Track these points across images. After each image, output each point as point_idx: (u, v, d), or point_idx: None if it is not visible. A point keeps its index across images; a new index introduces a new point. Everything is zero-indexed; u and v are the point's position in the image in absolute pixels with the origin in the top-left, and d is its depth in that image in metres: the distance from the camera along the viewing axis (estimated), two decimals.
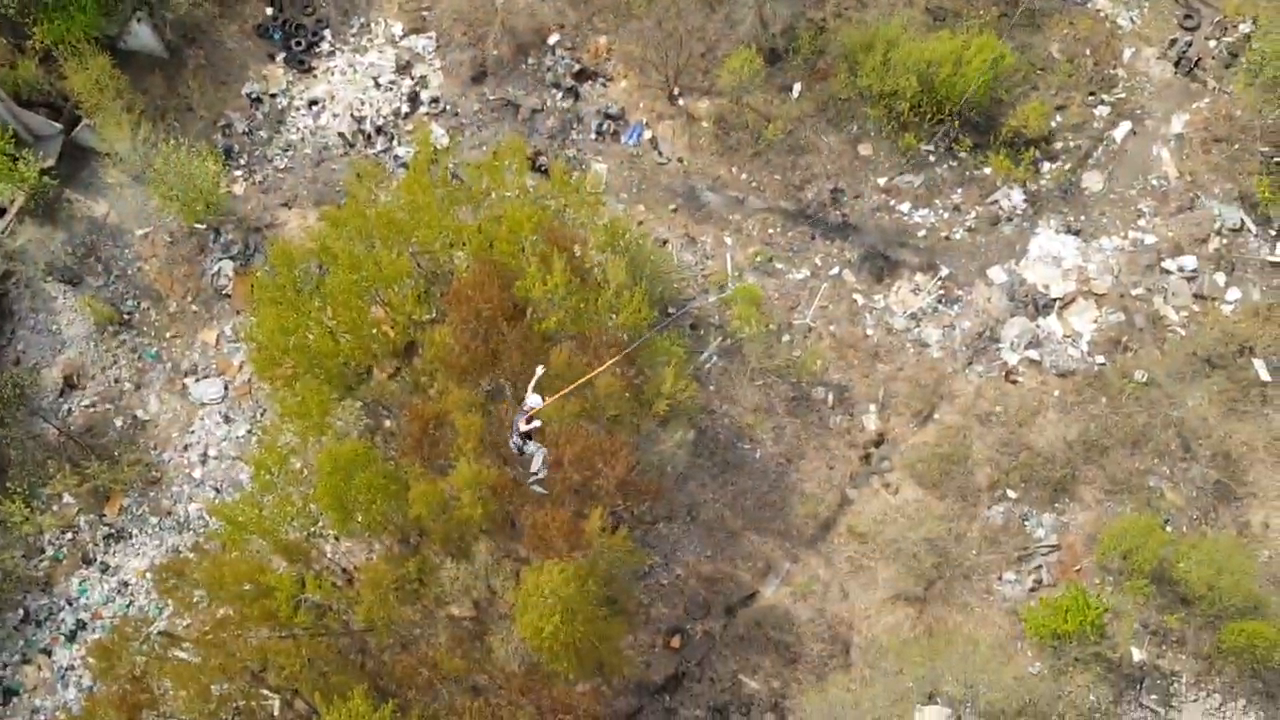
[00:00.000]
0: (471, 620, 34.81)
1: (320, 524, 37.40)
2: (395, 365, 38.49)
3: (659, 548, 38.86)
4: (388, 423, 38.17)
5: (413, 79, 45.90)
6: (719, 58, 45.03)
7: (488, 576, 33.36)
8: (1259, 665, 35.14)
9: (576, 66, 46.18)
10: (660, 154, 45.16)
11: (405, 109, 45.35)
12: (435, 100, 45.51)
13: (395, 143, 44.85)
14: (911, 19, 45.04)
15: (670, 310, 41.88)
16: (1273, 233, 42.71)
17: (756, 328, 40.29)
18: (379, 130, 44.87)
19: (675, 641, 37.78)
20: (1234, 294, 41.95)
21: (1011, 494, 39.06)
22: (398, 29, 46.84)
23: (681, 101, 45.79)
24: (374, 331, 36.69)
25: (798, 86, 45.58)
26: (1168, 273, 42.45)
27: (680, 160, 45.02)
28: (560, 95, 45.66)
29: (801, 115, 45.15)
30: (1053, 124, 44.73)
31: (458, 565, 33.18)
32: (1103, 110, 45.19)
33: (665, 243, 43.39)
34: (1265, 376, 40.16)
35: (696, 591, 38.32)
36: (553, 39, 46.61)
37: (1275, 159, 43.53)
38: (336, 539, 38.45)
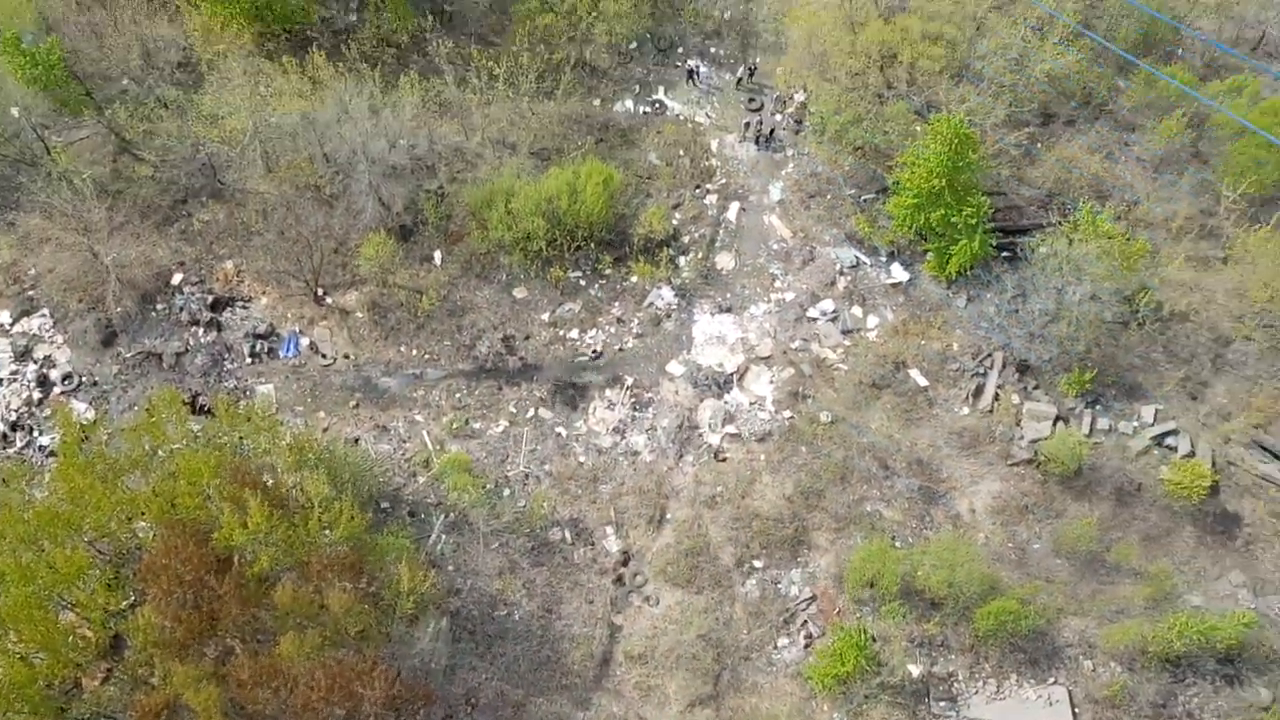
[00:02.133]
0: None
1: None
2: (106, 667, 34.85)
3: None
4: None
5: (37, 362, 42.68)
6: (353, 249, 45.29)
7: None
8: (1014, 638, 38.36)
9: (210, 298, 44.78)
10: (324, 356, 44.40)
11: (37, 395, 41.99)
12: (68, 377, 42.49)
13: (36, 434, 41.30)
14: (520, 166, 47.41)
15: (383, 505, 40.88)
16: (883, 260, 48.00)
17: (474, 493, 40.10)
18: (14, 427, 41.17)
19: None
20: (873, 321, 46.62)
21: (758, 564, 40.78)
22: (4, 317, 43.52)
23: (329, 300, 45.43)
24: (69, 639, 33.11)
25: (438, 254, 46.54)
26: (814, 320, 46.53)
27: (346, 356, 44.47)
28: (202, 331, 43.99)
29: (450, 279, 46.06)
30: (674, 222, 48.32)
31: None
32: (712, 198, 49.40)
33: (357, 441, 42.47)
34: (923, 382, 44.70)
35: None
36: (176, 279, 44.99)
37: (863, 197, 49.26)
38: None
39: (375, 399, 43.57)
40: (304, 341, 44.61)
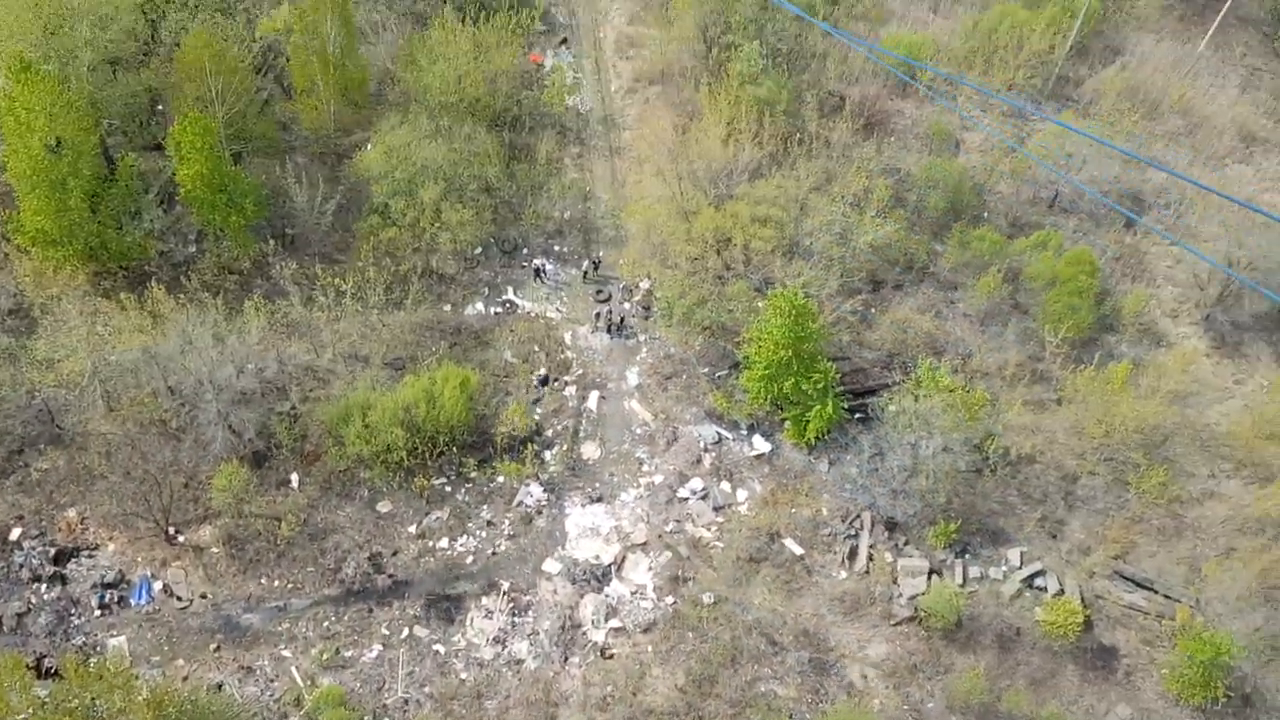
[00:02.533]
0: None
1: None
2: None
3: None
4: None
5: None
6: (204, 481, 43.63)
7: None
8: None
9: (53, 550, 42.05)
10: (179, 599, 41.91)
11: None
12: None
13: None
14: (375, 378, 47.07)
15: None
16: (744, 432, 48.99)
17: None
18: None
19: None
20: (742, 494, 47.14)
21: None
22: None
23: (182, 539, 43.26)
24: None
25: (295, 477, 45.20)
26: (685, 500, 46.75)
27: (204, 596, 42.08)
28: (44, 587, 41.09)
29: (310, 501, 44.64)
30: (536, 417, 48.44)
31: None
32: (571, 390, 49.89)
33: (220, 686, 39.75)
34: (798, 550, 45.06)
35: None
36: (15, 534, 42.24)
37: (717, 374, 50.58)
38: None
39: (238, 638, 41.13)
40: (157, 585, 42.10)
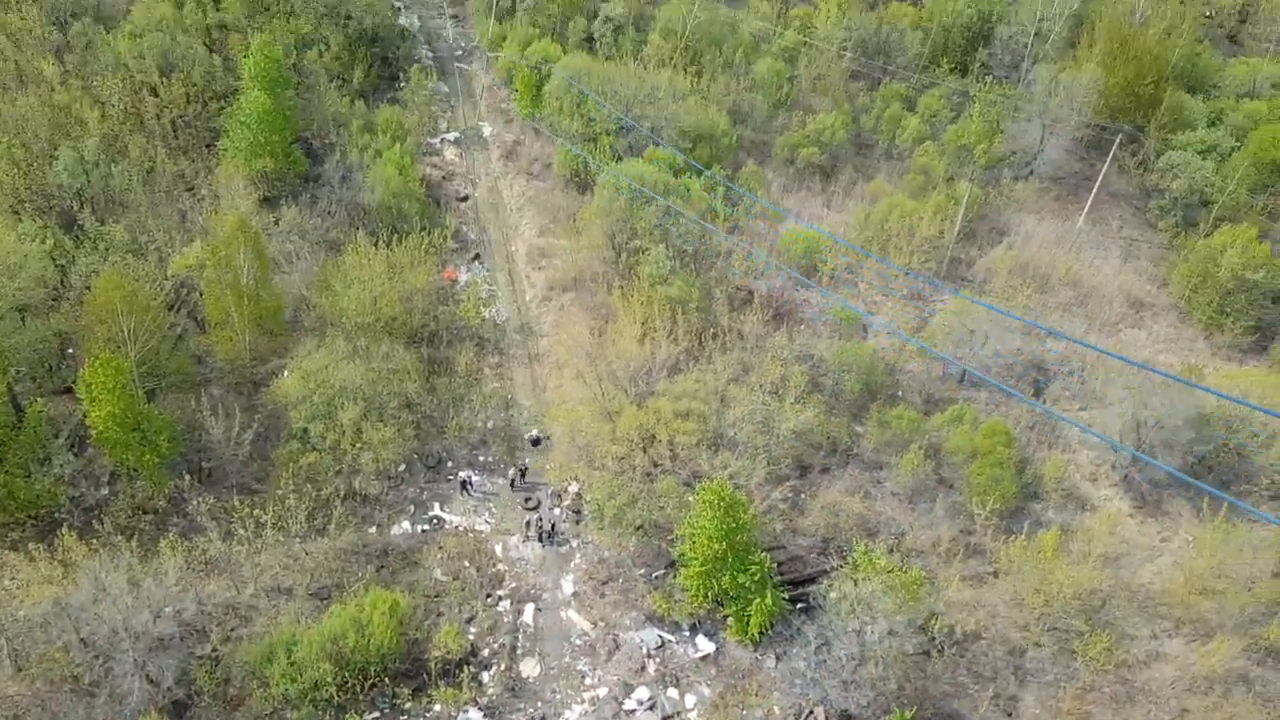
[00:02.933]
0: None
1: None
2: None
3: None
4: None
5: None
6: None
7: None
8: None
9: None
10: None
11: None
12: None
13: None
14: (299, 611, 45.22)
15: None
16: (687, 633, 47.83)
17: None
18: None
19: None
20: (691, 700, 45.56)
21: None
22: None
23: None
24: None
25: None
26: (632, 712, 44.98)
27: None
28: None
29: None
30: (470, 637, 46.74)
31: None
32: (505, 605, 48.47)
33: None
34: None
35: None
36: None
37: (653, 575, 49.72)
38: None
39: None
40: None
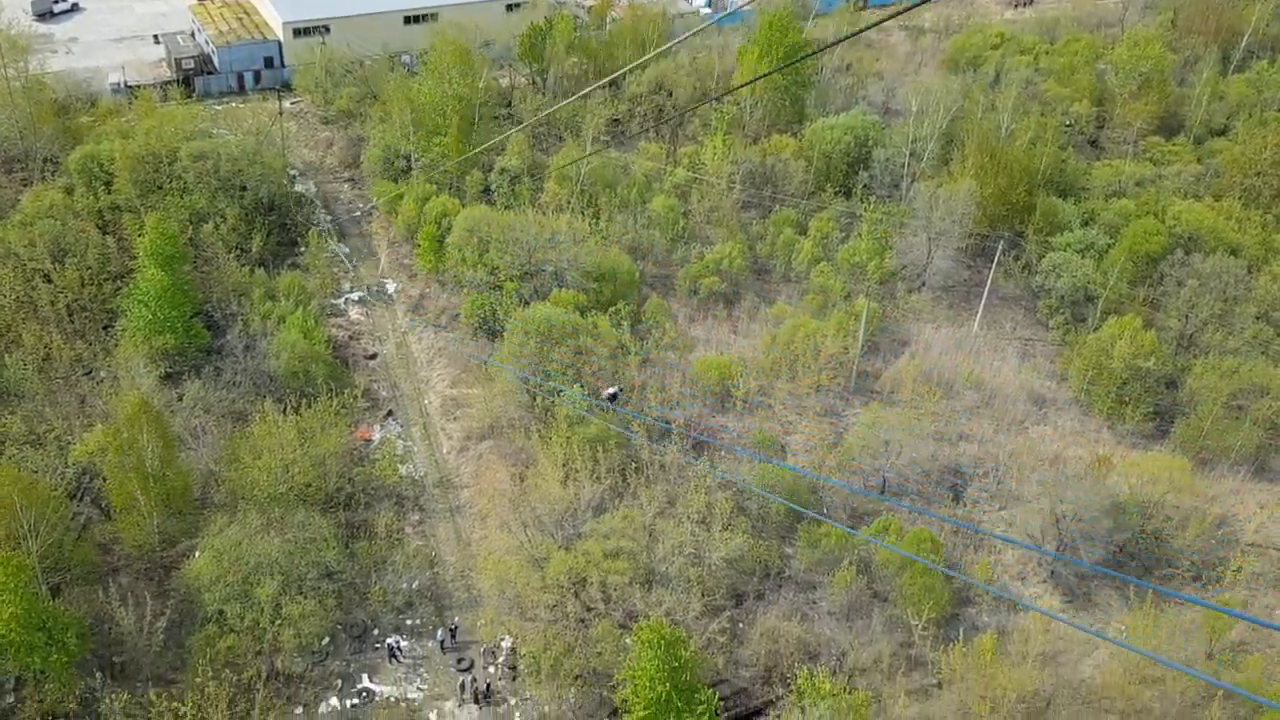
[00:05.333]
0: None
1: None
2: None
3: None
4: None
5: None
6: None
7: None
8: None
9: None
10: None
11: None
12: None
13: None
14: None
15: None
16: None
17: None
18: None
19: None
20: None
21: None
22: None
23: None
24: None
25: None
26: None
27: None
28: None
29: None
30: None
31: None
32: None
33: None
34: None
35: None
36: None
37: None
38: None
39: None
40: None
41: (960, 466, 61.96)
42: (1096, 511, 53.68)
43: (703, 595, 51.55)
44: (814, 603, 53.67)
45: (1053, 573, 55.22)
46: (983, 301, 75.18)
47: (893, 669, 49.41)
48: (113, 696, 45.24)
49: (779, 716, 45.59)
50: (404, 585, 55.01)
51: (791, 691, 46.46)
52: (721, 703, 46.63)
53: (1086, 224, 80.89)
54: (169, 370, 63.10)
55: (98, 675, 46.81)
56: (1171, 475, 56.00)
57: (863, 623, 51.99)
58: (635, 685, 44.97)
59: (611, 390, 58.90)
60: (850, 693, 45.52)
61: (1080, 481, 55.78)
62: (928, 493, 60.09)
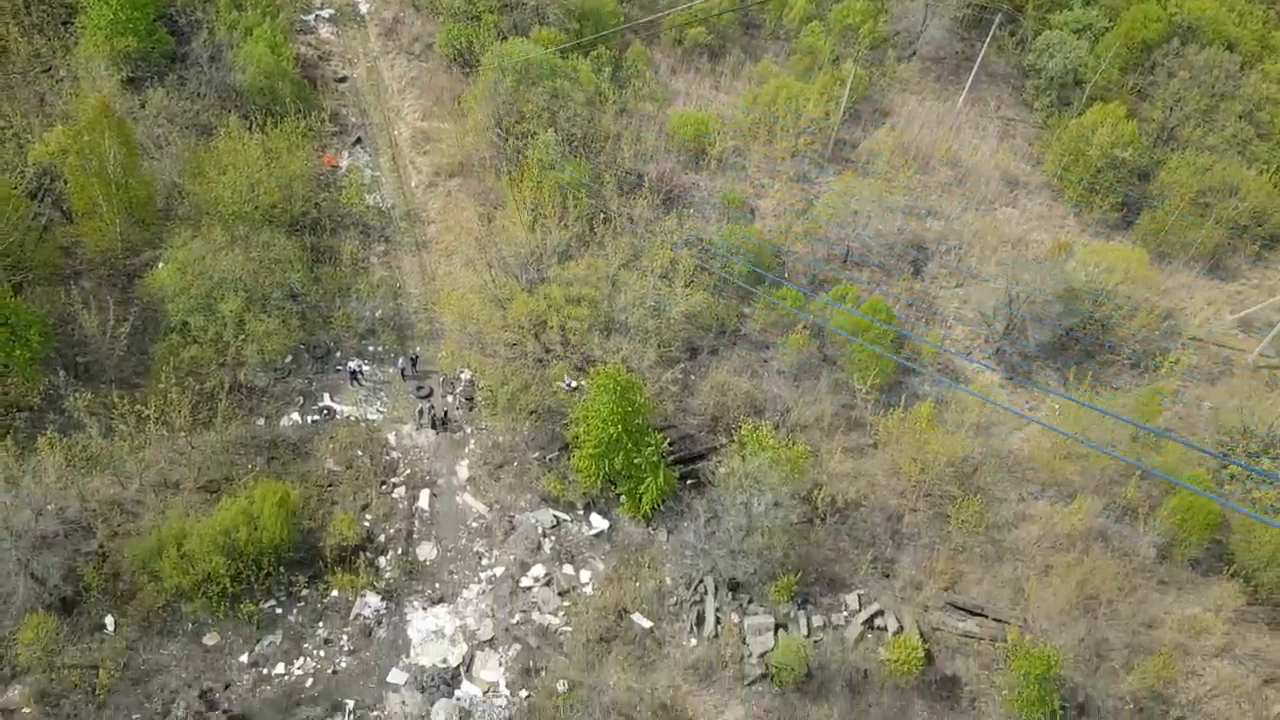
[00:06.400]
0: None
1: None
2: None
3: None
4: None
5: None
6: (8, 638, 40.20)
7: None
8: None
9: None
10: None
11: None
12: None
13: None
14: (188, 504, 44.75)
15: None
16: (581, 512, 48.94)
17: None
18: None
19: None
20: (586, 575, 46.92)
21: None
22: None
23: None
24: None
25: (110, 619, 42.20)
26: (529, 589, 46.17)
27: None
28: None
29: (129, 644, 41.71)
30: (366, 524, 47.01)
31: None
32: (399, 491, 48.74)
33: None
34: (647, 624, 45.08)
35: None
36: None
37: (547, 457, 50.47)
38: None
39: None
40: None
41: (924, 242, 62.52)
42: (1050, 295, 54.84)
43: (659, 346, 52.83)
44: (765, 361, 55.28)
45: (998, 350, 56.96)
46: (971, 76, 73.56)
47: (833, 428, 51.66)
48: (77, 395, 46.40)
49: (720, 462, 47.87)
50: (367, 313, 55.82)
51: (735, 441, 48.60)
52: (669, 446, 48.77)
53: (1088, 3, 78.18)
54: (131, 75, 60.92)
55: (61, 374, 47.82)
56: (1128, 266, 57.02)
57: (810, 383, 53.86)
58: (588, 424, 46.82)
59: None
60: (790, 445, 47.78)
61: (1038, 265, 56.66)
62: (889, 265, 60.86)
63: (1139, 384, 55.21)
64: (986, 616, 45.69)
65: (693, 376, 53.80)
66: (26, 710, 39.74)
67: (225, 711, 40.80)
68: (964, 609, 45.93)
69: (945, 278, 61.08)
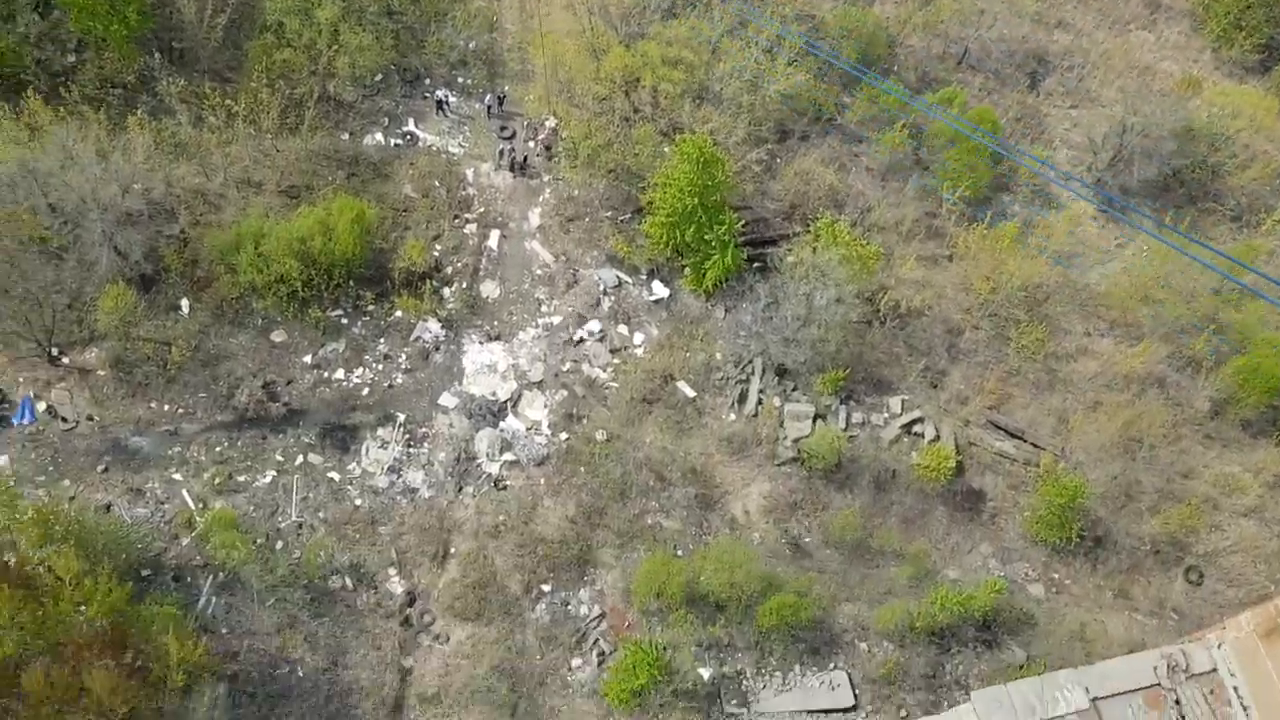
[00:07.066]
0: None
1: None
2: None
3: None
4: None
5: None
6: (89, 303, 42.44)
7: None
8: (795, 630, 40.10)
9: None
10: (64, 420, 41.26)
11: None
12: None
13: None
14: (269, 205, 45.78)
15: (145, 573, 38.38)
16: (644, 277, 49.32)
17: (244, 550, 38.18)
18: None
19: None
20: (639, 337, 47.80)
21: (546, 588, 40.89)
22: None
23: (66, 360, 42.30)
24: None
25: (185, 302, 44.24)
26: (582, 341, 47.24)
27: (90, 418, 41.50)
28: None
29: (201, 327, 43.89)
30: (435, 254, 47.92)
31: None
32: (471, 228, 49.33)
33: (109, 507, 39.69)
34: (691, 393, 46.20)
35: None
36: None
37: (619, 219, 50.46)
38: None
39: (126, 461, 40.85)
40: (40, 406, 41.32)
41: (1047, 55, 59.07)
42: (1166, 131, 52.02)
43: (750, 124, 51.49)
44: (856, 156, 53.78)
45: (1098, 181, 54.69)
46: None
47: (911, 234, 50.71)
48: (170, 79, 46.80)
49: (790, 250, 47.53)
50: (460, 42, 54.71)
51: (809, 231, 48.05)
52: (741, 226, 48.36)
53: None
54: None
55: (156, 56, 48.08)
56: (1256, 113, 53.58)
57: (897, 185, 52.50)
58: (665, 191, 46.42)
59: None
60: (864, 245, 47.17)
61: (1161, 99, 53.52)
62: (1005, 74, 57.83)
63: (1236, 238, 52.97)
64: (1025, 440, 46.06)
65: (779, 160, 52.65)
66: (101, 372, 42.40)
67: (285, 404, 43.19)
68: (1004, 429, 46.28)
69: (1060, 96, 57.98)
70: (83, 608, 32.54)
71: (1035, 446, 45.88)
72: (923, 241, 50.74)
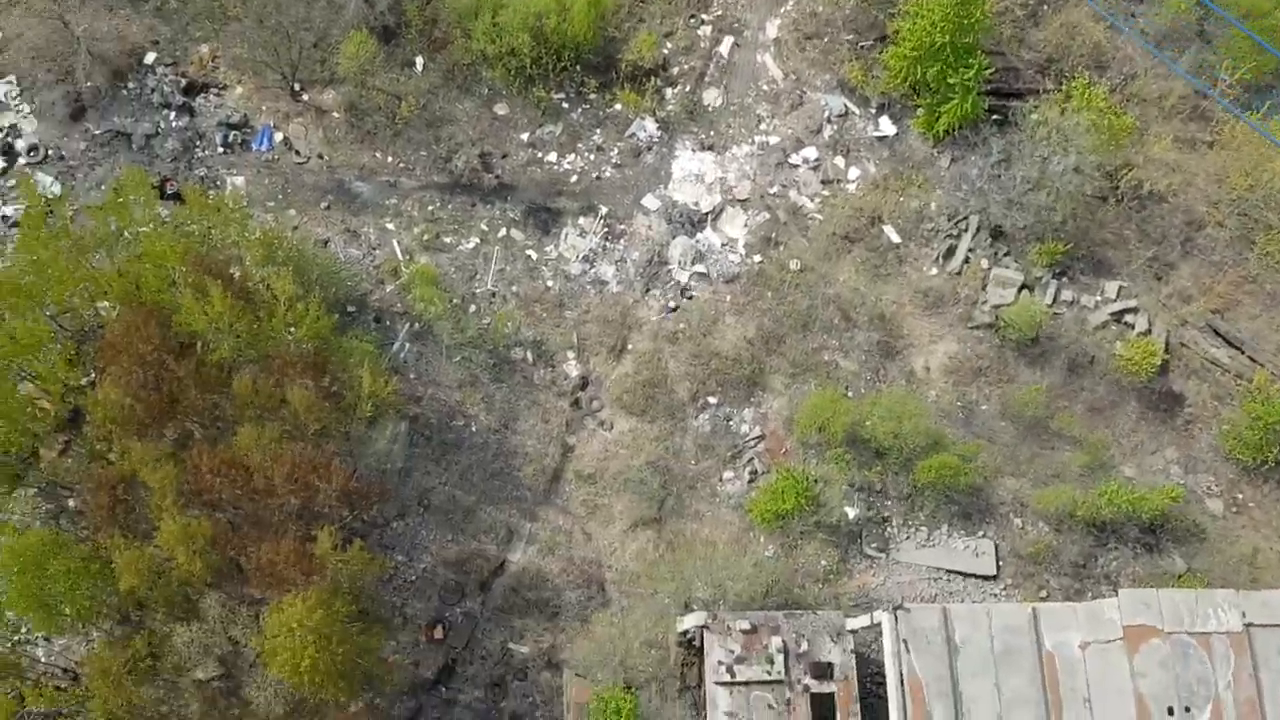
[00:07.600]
0: (221, 679, 33.15)
1: (24, 629, 34.25)
2: (64, 439, 35.53)
3: (398, 546, 38.51)
4: (71, 502, 35.26)
5: (2, 130, 41.75)
6: (333, 45, 44.04)
7: (225, 630, 31.82)
8: (950, 490, 39.74)
9: (184, 81, 43.69)
10: (298, 154, 43.76)
11: (1, 164, 41.25)
12: (34, 148, 41.70)
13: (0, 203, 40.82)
14: None
15: (350, 309, 41.07)
16: (873, 111, 47.28)
17: (440, 306, 40.36)
18: None
19: (438, 632, 37.68)
20: (854, 173, 46.30)
21: (712, 400, 41.65)
22: None
23: (306, 97, 44.47)
24: (28, 409, 33.62)
25: (419, 60, 45.38)
26: (795, 166, 46.16)
27: (320, 156, 43.85)
28: (174, 115, 43.09)
29: (431, 88, 45.07)
30: (664, 51, 47.14)
31: (189, 627, 31.44)
32: (705, 30, 48.09)
33: (326, 242, 42.33)
34: (896, 239, 44.80)
35: (447, 578, 38.35)
36: (150, 58, 43.73)
37: (860, 44, 48.09)
38: (47, 639, 35.31)
39: (347, 203, 43.21)
40: (278, 137, 43.84)
41: None
42: None
43: None
44: (1133, 15, 49.03)
45: None
46: None
47: (1174, 111, 46.39)
48: None
49: (1036, 108, 44.43)
50: None
51: (1061, 91, 44.68)
52: (989, 74, 45.34)
53: None
54: None
55: None
56: None
57: (1171, 55, 47.74)
58: (915, 23, 43.71)
59: None
60: (1119, 115, 43.59)
61: None
62: None
63: None
64: (1243, 352, 42.84)
65: (1046, 6, 48.60)
66: (336, 114, 44.43)
67: (497, 176, 44.39)
68: (1224, 336, 43.11)
69: None
70: (292, 329, 35.18)
71: (1253, 360, 42.65)
72: (1184, 121, 46.47)
